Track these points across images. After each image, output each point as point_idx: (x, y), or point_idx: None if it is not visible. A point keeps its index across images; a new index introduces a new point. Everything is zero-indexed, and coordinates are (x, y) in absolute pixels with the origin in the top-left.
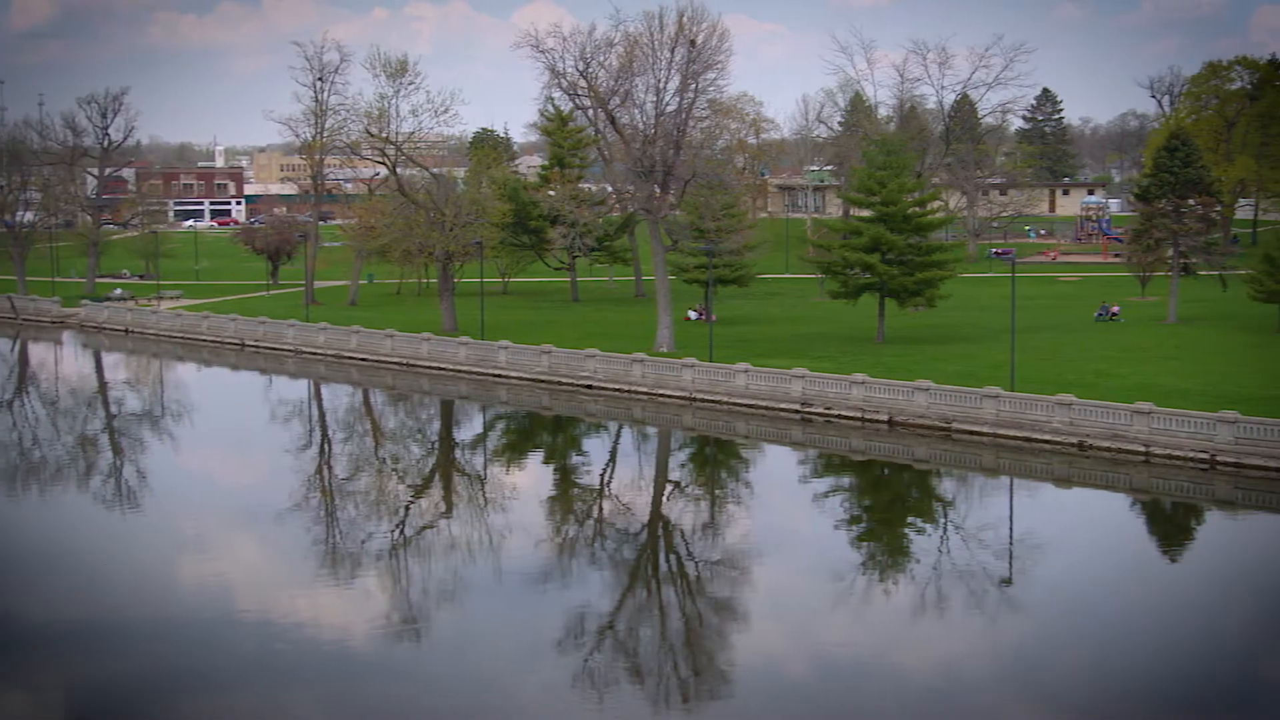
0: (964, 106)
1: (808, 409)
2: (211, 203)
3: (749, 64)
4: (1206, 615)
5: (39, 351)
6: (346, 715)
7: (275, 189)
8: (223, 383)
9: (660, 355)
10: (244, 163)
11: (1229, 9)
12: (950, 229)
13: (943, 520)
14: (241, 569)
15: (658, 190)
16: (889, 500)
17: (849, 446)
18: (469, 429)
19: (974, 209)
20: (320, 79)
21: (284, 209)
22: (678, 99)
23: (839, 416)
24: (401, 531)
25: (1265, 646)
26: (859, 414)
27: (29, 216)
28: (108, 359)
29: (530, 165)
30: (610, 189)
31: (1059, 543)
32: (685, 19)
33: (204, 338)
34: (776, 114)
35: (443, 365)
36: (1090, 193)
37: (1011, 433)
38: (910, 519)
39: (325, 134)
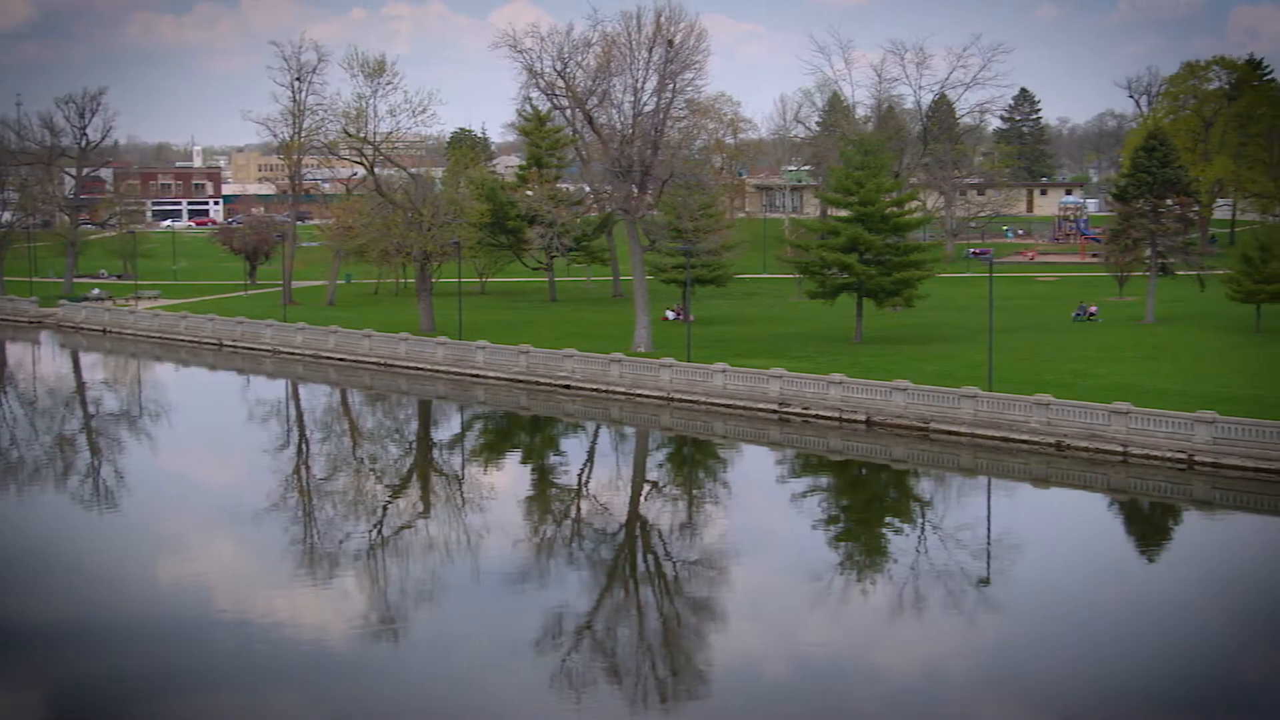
0: (942, 106)
1: (785, 409)
2: (189, 203)
3: (727, 64)
4: (1184, 615)
5: (16, 351)
6: (325, 715)
7: (253, 189)
8: (200, 383)
9: (638, 355)
10: (222, 163)
11: (1206, 9)
12: (928, 229)
13: (920, 520)
14: (220, 569)
15: (635, 190)
16: (867, 500)
17: (827, 447)
18: (447, 429)
19: (952, 209)
20: (298, 79)
21: (262, 209)
22: (655, 99)
23: (816, 416)
24: (380, 531)
25: (1242, 646)
26: (836, 414)
27: (6, 216)
28: (85, 359)
29: (508, 165)
30: (588, 189)
31: (1037, 543)
32: (663, 19)
33: (182, 338)
34: (754, 114)
35: (420, 365)
36: (1068, 193)
37: (989, 433)
38: (888, 519)
39: (303, 134)
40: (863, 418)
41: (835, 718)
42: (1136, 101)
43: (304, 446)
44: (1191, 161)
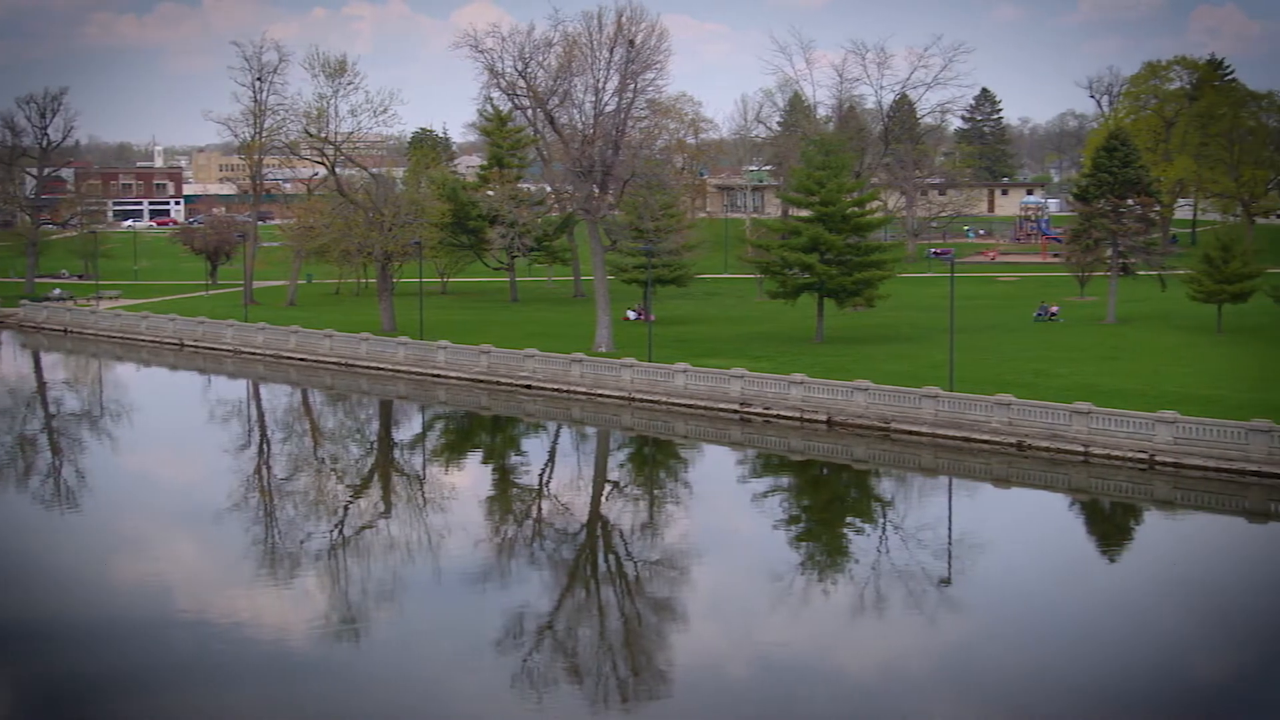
0: (903, 106)
1: (746, 409)
2: (150, 203)
3: (688, 64)
4: (1144, 614)
5: None
6: (285, 715)
7: (214, 189)
8: (161, 383)
9: (599, 355)
10: (183, 163)
11: (1168, 9)
12: (889, 229)
13: (882, 520)
14: (180, 569)
15: (596, 190)
16: (828, 500)
17: (788, 446)
18: (408, 429)
19: (913, 209)
20: (259, 79)
21: (223, 209)
22: (616, 99)
23: (778, 417)
24: (340, 532)
25: (1202, 644)
26: (798, 414)
27: None
28: (46, 359)
29: (469, 165)
30: (549, 189)
31: (998, 543)
32: (624, 19)
33: (143, 338)
34: (715, 114)
35: (381, 365)
36: (1029, 193)
37: (950, 433)
38: (849, 519)
39: (264, 134)
40: (824, 418)
41: (796, 718)
42: (1098, 101)
43: (265, 446)
44: (1153, 161)
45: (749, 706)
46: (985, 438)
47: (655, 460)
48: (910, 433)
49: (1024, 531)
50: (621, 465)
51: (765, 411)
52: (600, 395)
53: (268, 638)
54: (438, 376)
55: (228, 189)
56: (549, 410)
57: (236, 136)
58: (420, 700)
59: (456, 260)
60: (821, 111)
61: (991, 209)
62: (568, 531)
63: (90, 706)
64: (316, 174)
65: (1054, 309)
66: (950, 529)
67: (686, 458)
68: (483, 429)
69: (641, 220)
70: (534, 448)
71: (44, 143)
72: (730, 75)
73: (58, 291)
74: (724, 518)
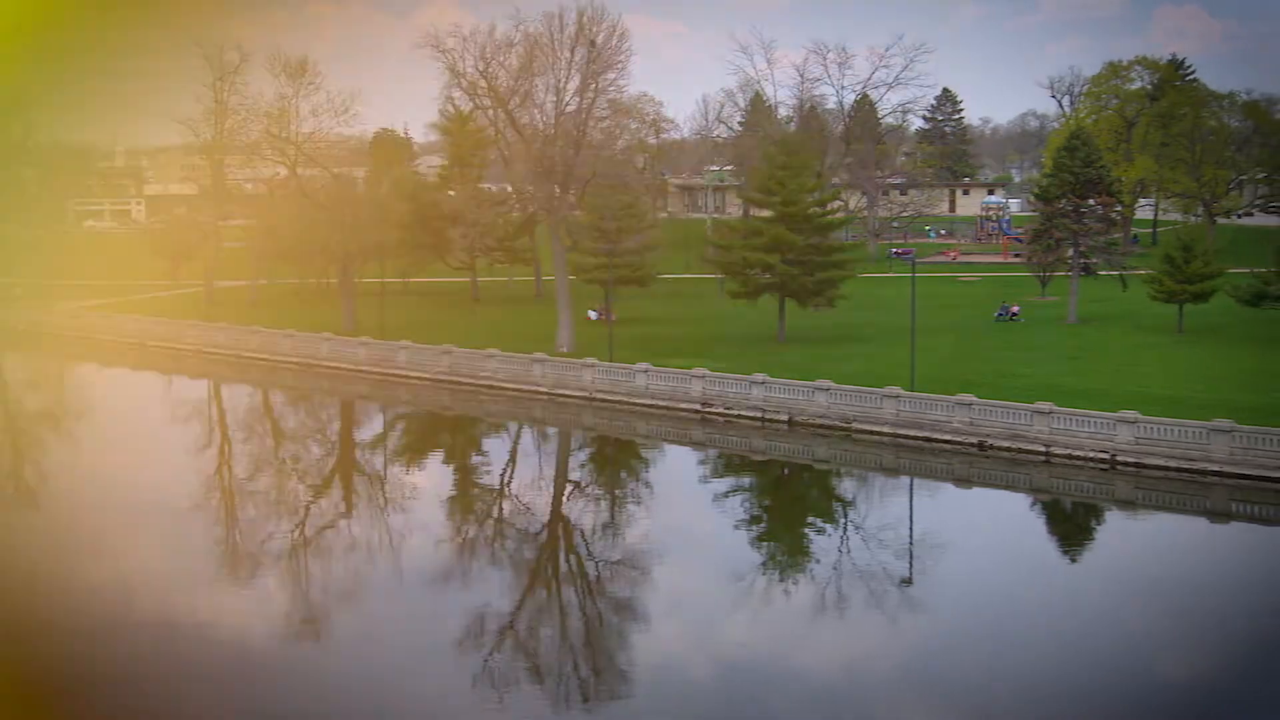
0: (864, 106)
1: (708, 409)
2: (111, 202)
3: (649, 64)
4: (1105, 614)
5: None
6: (246, 716)
7: (175, 189)
8: (123, 383)
9: (561, 355)
10: (144, 162)
11: (1129, 9)
12: (850, 229)
13: (843, 520)
14: (142, 569)
15: (558, 190)
16: (789, 500)
17: (749, 446)
18: (369, 429)
19: (874, 209)
20: (220, 79)
21: (184, 209)
22: (578, 99)
23: (739, 416)
24: (302, 531)
25: (1162, 643)
26: (759, 414)
27: None
28: (7, 359)
29: (430, 165)
30: (510, 189)
31: (959, 542)
32: (585, 19)
33: (104, 337)
34: (677, 114)
35: (343, 365)
36: (990, 193)
37: (912, 433)
38: (811, 519)
39: (225, 134)
40: (785, 418)
41: (757, 717)
42: (1059, 101)
43: (226, 446)
44: (1114, 161)
45: (710, 706)
46: (947, 438)
47: (617, 460)
48: (872, 433)
49: (985, 532)
50: (583, 465)
51: (727, 411)
52: (562, 395)
53: (229, 638)
54: (399, 376)
55: (189, 189)
56: (511, 410)
57: (198, 136)
58: (382, 699)
59: (418, 260)
60: (783, 111)
61: (953, 209)
62: (529, 531)
63: (53, 706)
64: (278, 174)
65: (1015, 309)
66: (911, 529)
67: (648, 457)
68: (444, 429)
69: (603, 220)
70: (495, 448)
71: None
72: (691, 75)
73: (18, 291)
74: (685, 518)
